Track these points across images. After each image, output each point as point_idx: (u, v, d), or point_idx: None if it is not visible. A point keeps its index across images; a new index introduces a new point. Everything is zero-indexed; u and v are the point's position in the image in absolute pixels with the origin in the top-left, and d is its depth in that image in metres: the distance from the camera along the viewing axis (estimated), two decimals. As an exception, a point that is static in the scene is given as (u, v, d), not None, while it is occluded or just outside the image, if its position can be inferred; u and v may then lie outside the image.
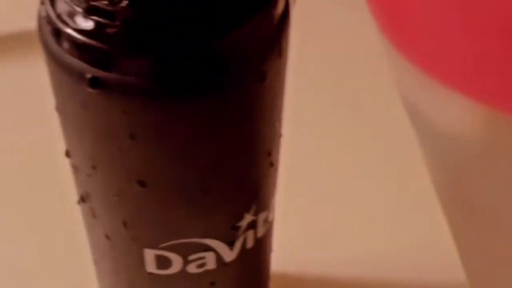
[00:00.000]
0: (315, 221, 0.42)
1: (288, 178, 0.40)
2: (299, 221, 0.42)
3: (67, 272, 0.39)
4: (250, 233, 0.30)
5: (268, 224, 0.31)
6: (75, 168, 0.27)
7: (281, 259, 0.38)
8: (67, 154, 0.27)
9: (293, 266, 0.40)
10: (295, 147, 0.43)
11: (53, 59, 0.23)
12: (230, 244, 0.29)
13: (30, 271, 0.39)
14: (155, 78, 0.22)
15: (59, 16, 0.22)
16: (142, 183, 0.25)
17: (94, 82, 0.22)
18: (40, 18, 0.23)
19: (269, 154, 0.28)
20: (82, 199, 0.29)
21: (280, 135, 0.29)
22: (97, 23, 0.22)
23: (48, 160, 0.43)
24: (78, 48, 0.22)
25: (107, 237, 0.29)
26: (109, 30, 0.22)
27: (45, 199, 0.42)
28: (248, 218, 0.29)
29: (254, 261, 0.32)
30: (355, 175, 0.44)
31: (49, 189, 0.43)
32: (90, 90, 0.22)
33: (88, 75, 0.22)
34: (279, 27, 0.24)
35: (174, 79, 0.22)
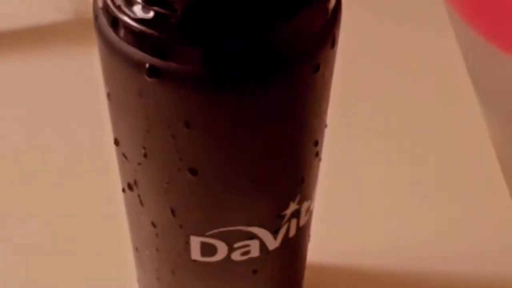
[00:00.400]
0: (351, 212, 0.42)
1: (328, 169, 0.41)
2: (335, 211, 0.42)
3: (105, 259, 0.39)
4: (293, 222, 0.30)
5: (309, 213, 0.32)
6: (124, 157, 0.28)
7: (316, 249, 0.39)
8: (116, 142, 0.28)
9: (328, 256, 0.40)
10: (338, 138, 0.43)
11: (110, 48, 0.23)
12: (274, 232, 0.29)
13: (68, 260, 0.39)
14: (212, 67, 0.22)
15: (117, 6, 0.23)
16: (193, 171, 0.25)
17: (153, 71, 0.22)
18: (96, 8, 0.24)
19: (316, 144, 0.28)
20: (129, 187, 0.29)
21: (325, 126, 0.29)
22: (156, 13, 0.22)
23: (92, 150, 0.43)
24: (137, 38, 0.22)
25: (153, 224, 0.29)
26: (168, 19, 0.22)
27: (87, 188, 0.42)
28: (292, 207, 0.29)
29: (295, 250, 0.33)
30: (393, 164, 0.44)
31: (90, 179, 0.43)
32: (148, 79, 0.23)
33: (147, 64, 0.22)
34: (332, 18, 0.24)
35: (231, 69, 0.22)
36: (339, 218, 0.42)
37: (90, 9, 0.25)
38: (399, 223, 0.41)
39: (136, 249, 0.33)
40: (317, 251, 0.39)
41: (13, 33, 0.51)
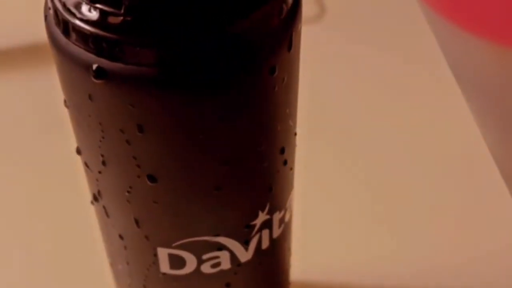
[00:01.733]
0: (337, 226, 0.41)
1: (309, 180, 0.40)
2: (321, 225, 0.41)
3: (85, 274, 0.39)
4: (265, 233, 0.29)
5: (285, 225, 0.31)
6: (86, 166, 0.27)
7: (303, 266, 0.38)
8: (78, 151, 0.27)
9: (317, 274, 0.39)
10: (317, 148, 0.42)
11: (59, 50, 0.23)
12: (245, 243, 0.29)
13: (48, 274, 0.39)
14: (161, 68, 0.22)
15: (64, 6, 0.22)
16: (152, 178, 0.25)
17: (100, 73, 0.22)
18: (45, 9, 0.23)
19: (282, 151, 0.27)
20: (95, 198, 0.28)
21: (294, 133, 0.28)
22: (102, 12, 0.21)
23: (62, 161, 0.43)
24: (83, 38, 0.22)
25: (121, 236, 0.29)
26: (114, 18, 0.21)
27: (62, 201, 0.42)
28: (262, 217, 0.28)
29: (271, 263, 0.32)
30: (380, 176, 0.44)
31: (65, 190, 0.42)
32: (96, 81, 0.22)
33: (94, 66, 0.22)
34: (288, 19, 0.24)
35: (180, 69, 0.22)
36: (323, 232, 0.41)
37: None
38: (388, 236, 0.40)
39: (111, 264, 0.32)
40: (302, 268, 0.38)
41: (17, 51, 0.51)
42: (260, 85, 0.23)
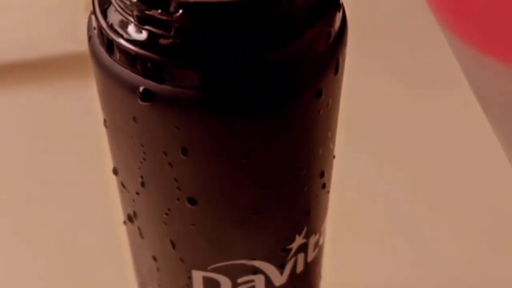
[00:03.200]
0: (365, 246, 0.41)
1: (339, 202, 0.39)
2: (350, 247, 0.41)
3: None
4: (301, 257, 0.29)
5: (319, 248, 0.30)
6: (123, 186, 0.27)
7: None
8: (115, 171, 0.27)
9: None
10: (347, 169, 0.42)
11: (104, 71, 0.22)
12: (280, 267, 0.28)
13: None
14: (209, 91, 0.21)
15: (111, 27, 0.22)
16: (192, 201, 0.24)
17: (146, 95, 0.22)
18: (90, 29, 0.23)
19: (322, 175, 0.27)
20: (129, 219, 0.28)
21: (333, 156, 0.28)
22: (150, 34, 0.21)
23: (94, 180, 0.43)
24: (130, 59, 0.22)
25: (154, 258, 0.28)
26: (163, 40, 0.21)
27: (92, 219, 0.42)
28: (299, 240, 0.28)
29: (303, 287, 0.31)
30: (411, 200, 0.43)
31: (96, 209, 0.42)
32: (142, 103, 0.22)
33: (140, 88, 0.21)
34: (336, 43, 0.23)
35: (228, 93, 0.21)
36: (352, 254, 0.40)
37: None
38: (417, 256, 0.40)
39: (140, 284, 0.32)
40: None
41: (28, 63, 0.51)
42: (306, 109, 0.23)
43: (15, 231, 0.42)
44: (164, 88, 0.21)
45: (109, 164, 0.27)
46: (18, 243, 0.41)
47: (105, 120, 0.25)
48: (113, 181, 0.28)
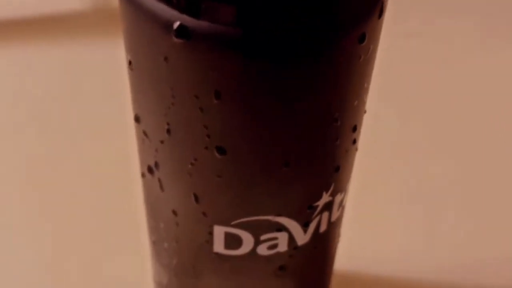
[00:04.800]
0: (387, 212, 0.40)
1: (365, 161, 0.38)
2: (366, 212, 0.39)
3: (117, 255, 0.37)
4: (325, 216, 0.28)
5: (342, 208, 0.29)
6: (145, 135, 0.25)
7: (345, 255, 0.36)
8: (137, 119, 0.25)
9: (356, 264, 0.37)
10: (376, 127, 0.40)
11: (134, 6, 0.21)
12: (305, 225, 0.27)
13: (79, 255, 0.37)
14: (249, 29, 0.20)
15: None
16: (221, 150, 0.23)
17: (182, 31, 0.20)
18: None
19: (354, 129, 0.25)
20: (149, 170, 0.26)
21: (364, 111, 0.27)
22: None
23: (107, 138, 0.42)
24: (165, -8, 0.20)
25: (174, 212, 0.27)
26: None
27: (104, 179, 0.40)
28: (325, 198, 0.27)
29: (324, 248, 0.30)
30: (436, 167, 0.42)
31: (106, 169, 0.41)
32: (176, 40, 0.20)
33: (176, 23, 0.20)
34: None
35: (269, 33, 0.20)
36: (371, 220, 0.39)
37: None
38: (439, 228, 0.39)
39: (154, 243, 0.31)
40: (345, 257, 0.37)
41: (29, 21, 0.49)
42: (348, 53, 0.22)
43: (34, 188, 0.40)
44: (202, 24, 0.20)
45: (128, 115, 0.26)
46: (44, 187, 0.40)
47: (130, 62, 0.23)
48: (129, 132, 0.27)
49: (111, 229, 0.39)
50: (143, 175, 0.28)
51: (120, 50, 0.47)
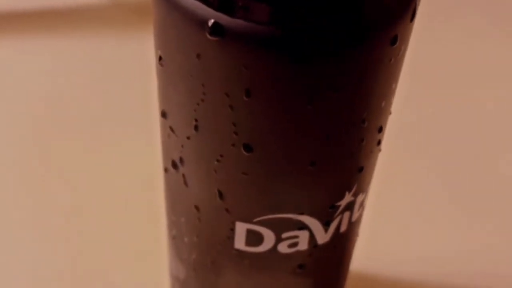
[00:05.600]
0: (405, 214, 0.40)
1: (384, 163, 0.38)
2: (385, 213, 0.39)
3: (132, 249, 0.37)
4: (346, 215, 0.28)
5: (362, 208, 0.29)
6: (171, 130, 0.25)
7: (361, 255, 0.36)
8: (163, 114, 0.25)
9: (372, 264, 0.38)
10: (400, 130, 0.40)
11: (168, 3, 0.21)
12: (326, 224, 0.27)
13: (96, 247, 0.37)
14: (283, 29, 0.20)
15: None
16: (248, 148, 0.23)
17: (216, 29, 0.20)
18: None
19: (380, 130, 0.26)
20: (174, 165, 0.27)
21: (390, 113, 0.27)
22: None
23: (130, 132, 0.42)
24: (201, -10, 0.20)
25: (197, 208, 0.27)
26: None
27: (124, 173, 0.41)
28: (348, 198, 0.27)
29: (344, 247, 0.30)
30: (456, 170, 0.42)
31: (126, 163, 0.41)
32: (210, 37, 0.20)
33: (210, 21, 0.20)
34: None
35: (303, 32, 0.20)
36: (389, 221, 0.39)
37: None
38: (458, 231, 0.39)
39: (173, 237, 0.31)
40: (362, 257, 0.37)
41: (48, 14, 0.50)
42: (379, 55, 0.22)
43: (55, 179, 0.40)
44: (236, 22, 0.20)
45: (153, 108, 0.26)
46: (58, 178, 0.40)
47: (160, 58, 0.24)
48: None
49: (126, 226, 0.39)
50: (166, 170, 0.28)
51: (139, 45, 0.47)
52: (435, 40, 0.49)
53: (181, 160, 0.26)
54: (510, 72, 0.47)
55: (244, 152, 0.24)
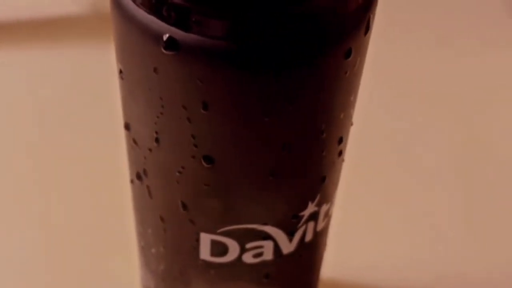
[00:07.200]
0: (373, 222, 0.40)
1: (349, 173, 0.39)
2: (356, 222, 0.40)
3: (107, 259, 0.37)
4: (311, 225, 0.28)
5: (328, 218, 0.30)
6: (134, 143, 0.26)
7: (331, 263, 0.37)
8: (126, 127, 0.26)
9: (345, 273, 0.38)
10: (363, 142, 0.41)
11: (125, 17, 0.22)
12: (290, 234, 0.27)
13: (68, 258, 0.38)
14: (236, 43, 0.20)
15: (137, -29, 0.21)
16: (208, 159, 0.23)
17: (171, 44, 0.21)
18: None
19: (340, 141, 0.26)
20: (138, 177, 0.27)
21: (351, 124, 0.27)
22: (179, -22, 0.20)
23: (100, 143, 0.42)
24: (155, 5, 0.21)
25: (162, 219, 0.27)
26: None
27: (94, 183, 0.41)
28: (311, 208, 0.27)
29: (310, 256, 0.31)
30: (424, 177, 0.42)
31: (95, 172, 0.41)
32: (165, 52, 0.21)
33: (165, 35, 0.21)
34: (368, 2, 0.22)
35: (255, 46, 0.20)
36: (358, 229, 0.39)
37: (107, 3, 0.23)
38: (425, 237, 0.39)
39: (142, 248, 0.31)
40: (332, 265, 0.37)
41: (28, 24, 0.50)
42: (334, 68, 0.22)
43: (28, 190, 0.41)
44: (190, 37, 0.21)
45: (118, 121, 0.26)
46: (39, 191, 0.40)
47: (121, 71, 0.24)
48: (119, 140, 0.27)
49: (101, 233, 0.39)
50: (132, 181, 0.28)
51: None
52: (397, 52, 0.50)
53: (145, 172, 0.26)
54: (464, 81, 0.48)
55: (205, 164, 0.24)
